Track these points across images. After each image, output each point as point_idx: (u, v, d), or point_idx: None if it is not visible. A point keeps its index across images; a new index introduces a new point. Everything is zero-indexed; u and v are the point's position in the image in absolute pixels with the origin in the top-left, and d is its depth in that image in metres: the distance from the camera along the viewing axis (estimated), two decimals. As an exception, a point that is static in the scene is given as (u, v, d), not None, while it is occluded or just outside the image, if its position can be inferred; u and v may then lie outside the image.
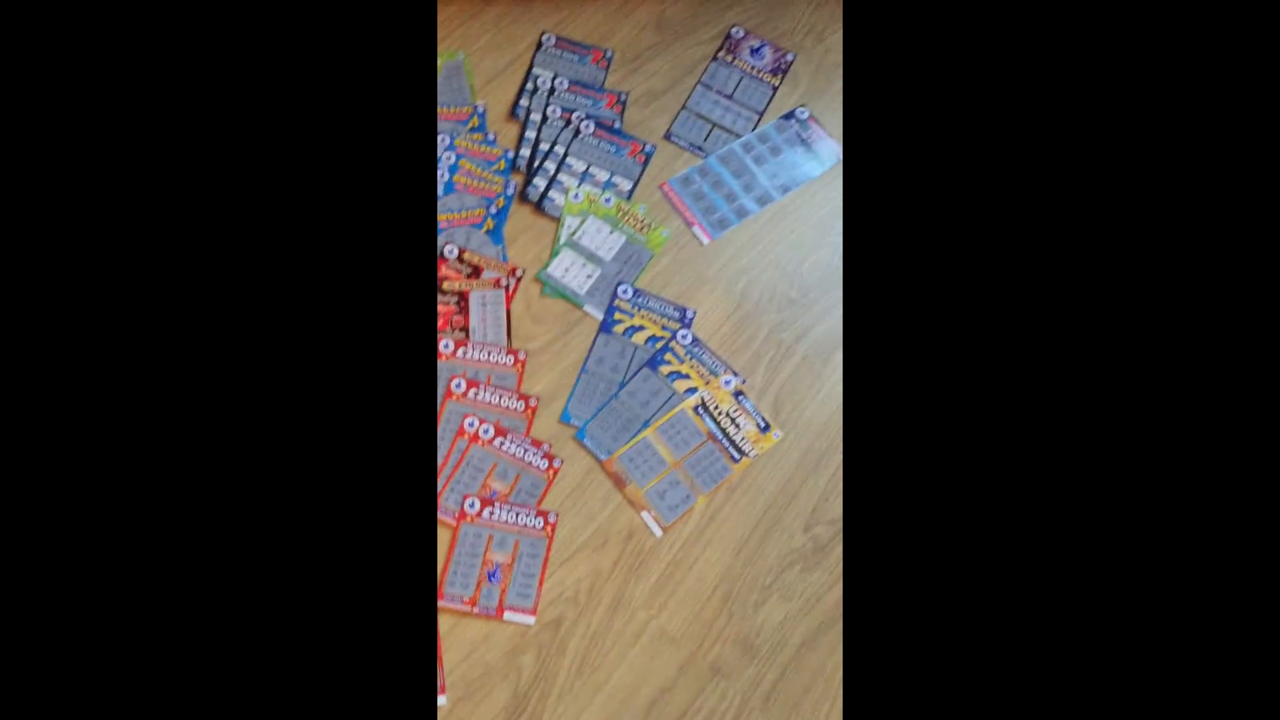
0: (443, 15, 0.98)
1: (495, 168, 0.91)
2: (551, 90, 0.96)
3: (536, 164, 0.92)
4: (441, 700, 0.70)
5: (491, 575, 0.75)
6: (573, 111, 0.95)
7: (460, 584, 0.74)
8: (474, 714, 0.70)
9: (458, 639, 0.73)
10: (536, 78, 0.96)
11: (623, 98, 0.97)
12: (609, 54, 0.99)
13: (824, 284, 0.92)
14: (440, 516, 0.76)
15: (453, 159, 0.91)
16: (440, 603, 0.73)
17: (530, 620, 0.74)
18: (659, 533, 0.79)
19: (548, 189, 0.91)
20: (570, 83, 0.96)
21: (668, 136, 0.97)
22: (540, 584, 0.75)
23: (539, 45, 0.98)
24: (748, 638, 0.76)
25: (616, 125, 0.96)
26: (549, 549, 0.76)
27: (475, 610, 0.73)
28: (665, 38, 1.01)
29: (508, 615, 0.74)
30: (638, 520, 0.79)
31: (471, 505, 0.76)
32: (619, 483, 0.80)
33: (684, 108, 0.98)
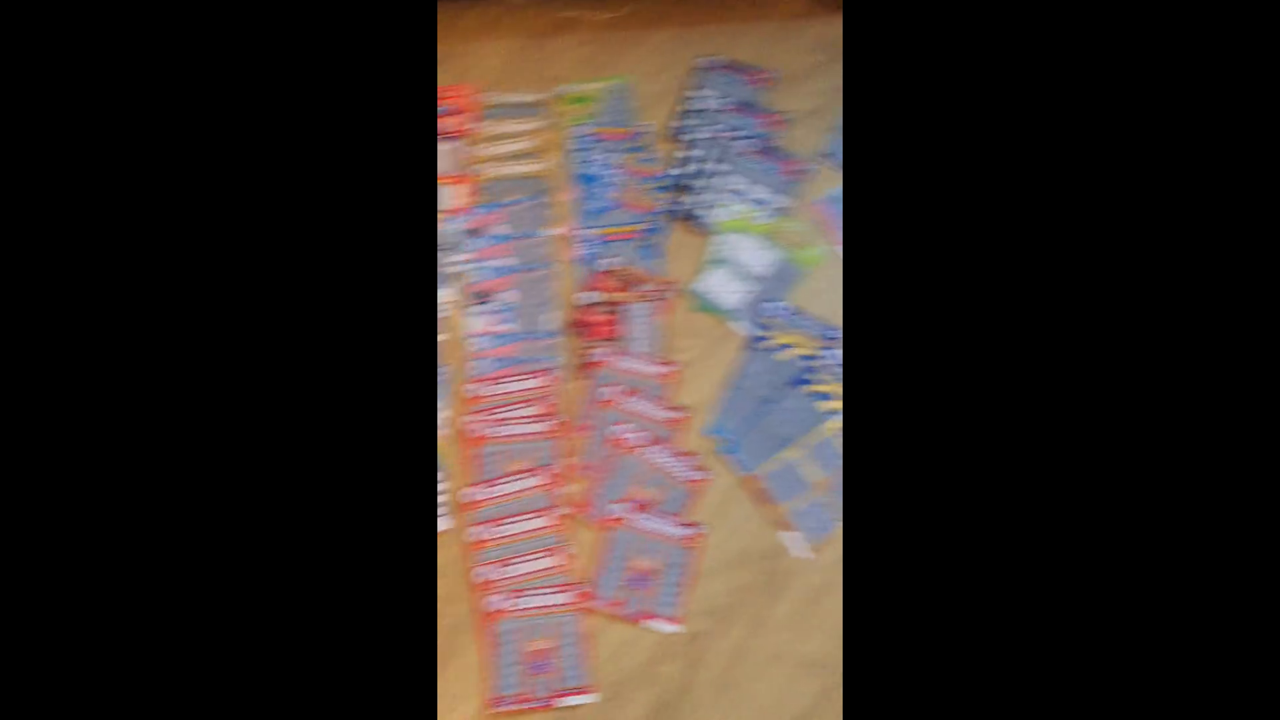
0: (609, 40, 1.03)
1: (654, 185, 0.94)
2: (712, 111, 0.98)
3: (694, 182, 0.94)
4: (590, 699, 0.72)
5: (639, 581, 0.76)
6: (732, 130, 0.96)
7: (607, 586, 0.76)
8: (620, 713, 0.72)
9: (604, 640, 0.75)
10: (698, 99, 0.99)
11: (782, 118, 0.98)
12: (770, 74, 1.00)
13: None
14: (589, 518, 0.79)
15: (615, 176, 0.95)
16: (590, 603, 0.75)
17: (674, 629, 0.75)
18: (802, 553, 0.78)
19: (703, 206, 0.93)
20: (731, 103, 0.98)
21: (826, 155, 0.96)
22: (684, 595, 0.76)
23: (701, 67, 1.01)
24: (894, 673, 0.74)
25: (774, 144, 0.96)
26: (694, 560, 0.77)
27: (622, 613, 0.75)
28: (828, 58, 1.01)
29: (652, 623, 0.75)
30: (781, 539, 0.79)
31: (619, 510, 0.79)
32: (763, 499, 0.80)
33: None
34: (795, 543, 0.78)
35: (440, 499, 0.80)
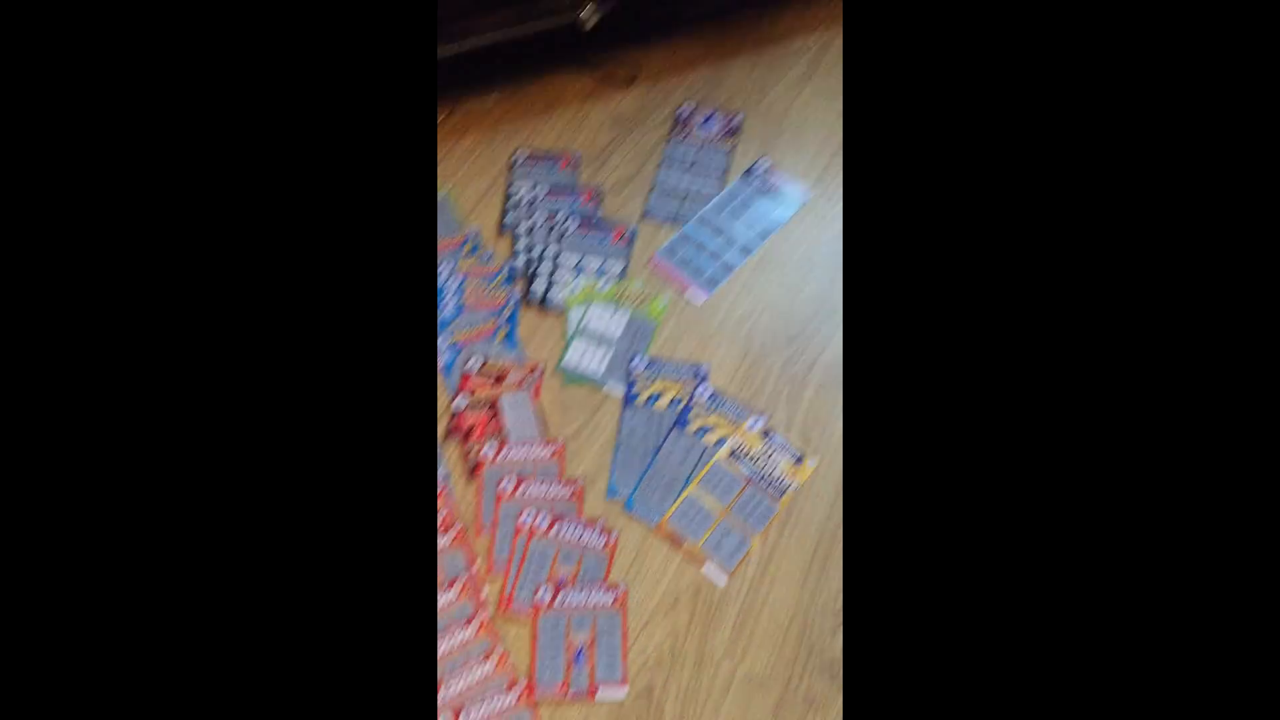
0: (421, 158, 1.09)
1: (498, 281, 0.99)
2: (533, 200, 1.05)
3: (533, 269, 1.00)
4: (557, 790, 0.72)
5: (577, 657, 0.78)
6: (556, 213, 1.03)
7: (549, 673, 0.77)
8: (590, 797, 0.72)
9: (559, 726, 0.75)
10: (516, 192, 1.05)
11: (597, 191, 1.06)
12: (576, 156, 1.08)
13: (820, 315, 0.98)
14: (516, 612, 0.80)
15: (458, 281, 0.99)
16: (535, 695, 0.76)
17: (623, 693, 0.76)
18: (723, 581, 0.82)
19: (549, 289, 0.99)
20: (548, 189, 1.05)
21: (645, 215, 1.05)
22: (624, 655, 0.78)
23: (512, 164, 1.08)
24: (832, 664, 0.78)
25: (597, 217, 1.04)
26: (625, 619, 0.80)
27: (569, 695, 0.76)
28: (622, 131, 1.11)
29: (601, 694, 0.76)
30: (701, 574, 0.83)
31: (543, 595, 0.80)
32: (675, 542, 0.84)
33: (654, 188, 1.06)
34: (714, 573, 0.83)
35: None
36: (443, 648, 0.78)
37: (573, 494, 0.86)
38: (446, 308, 0.97)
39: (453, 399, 0.91)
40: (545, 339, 0.96)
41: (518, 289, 0.99)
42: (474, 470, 0.87)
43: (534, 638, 0.78)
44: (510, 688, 0.76)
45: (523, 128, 1.11)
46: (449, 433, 0.90)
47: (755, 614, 0.81)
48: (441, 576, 0.81)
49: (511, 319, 0.97)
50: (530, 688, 0.76)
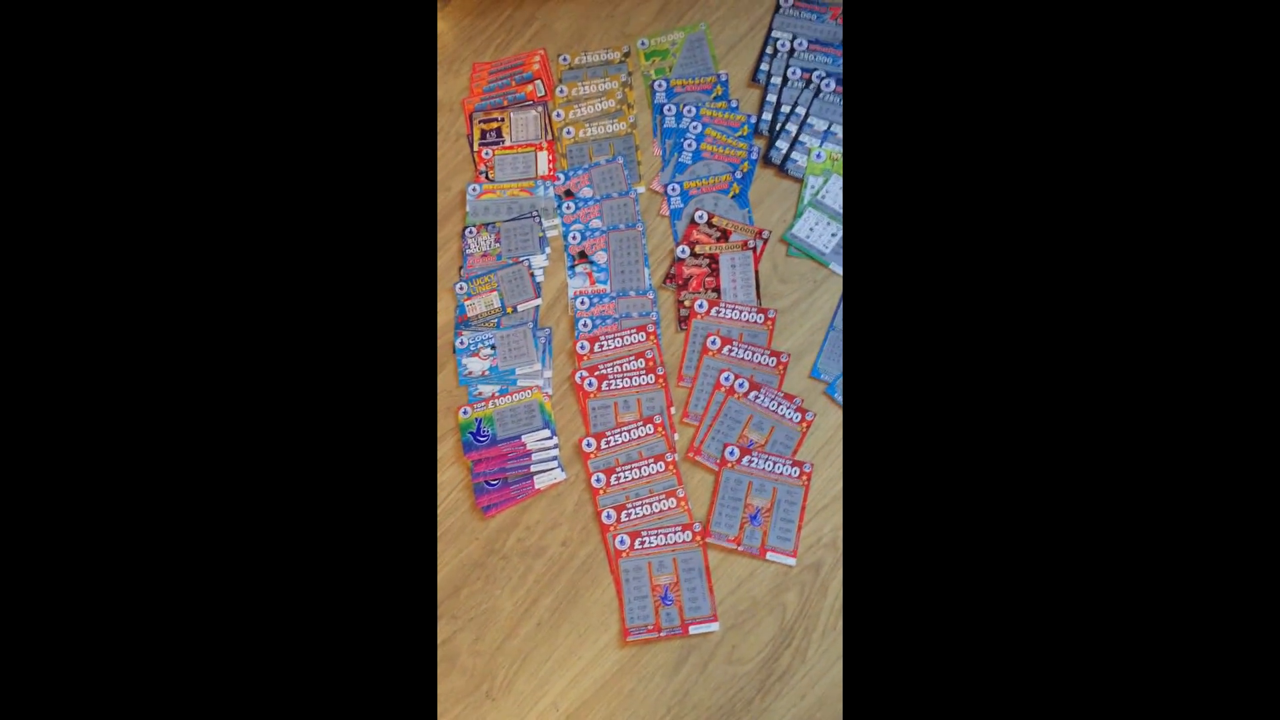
0: (681, -11, 1.02)
1: (739, 134, 0.95)
2: (791, 51, 0.97)
3: (779, 127, 0.94)
4: (714, 627, 0.77)
5: (753, 518, 0.80)
6: (812, 71, 0.95)
7: (725, 524, 0.80)
8: (745, 641, 0.77)
9: (726, 573, 0.79)
10: (776, 40, 0.98)
11: (864, 52, 0.96)
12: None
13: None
14: (703, 462, 0.83)
15: (699, 128, 0.95)
16: (708, 540, 0.80)
17: (791, 561, 0.79)
18: (914, 487, 0.80)
19: (790, 151, 0.93)
20: (809, 42, 0.97)
21: (912, 87, 0.94)
22: (799, 528, 0.79)
23: (777, 8, 0.99)
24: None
25: (857, 81, 0.95)
26: (806, 496, 0.80)
27: (740, 549, 0.79)
28: (908, -16, 0.98)
29: (770, 555, 0.79)
30: (891, 474, 0.81)
31: (731, 453, 0.82)
32: (870, 437, 0.82)
33: (929, 56, 0.95)
34: (904, 476, 0.80)
35: (554, 451, 0.85)
36: (631, 475, 0.83)
37: (777, 365, 0.85)
38: (685, 153, 0.95)
39: (676, 246, 0.91)
40: (777, 204, 0.92)
41: (758, 146, 0.94)
42: (685, 320, 0.88)
43: (715, 489, 0.81)
44: (686, 528, 0.80)
45: (795, -33, 1.01)
46: (667, 278, 0.91)
47: (938, 526, 0.79)
48: (640, 412, 0.85)
49: (746, 177, 0.93)
50: (705, 532, 0.80)
